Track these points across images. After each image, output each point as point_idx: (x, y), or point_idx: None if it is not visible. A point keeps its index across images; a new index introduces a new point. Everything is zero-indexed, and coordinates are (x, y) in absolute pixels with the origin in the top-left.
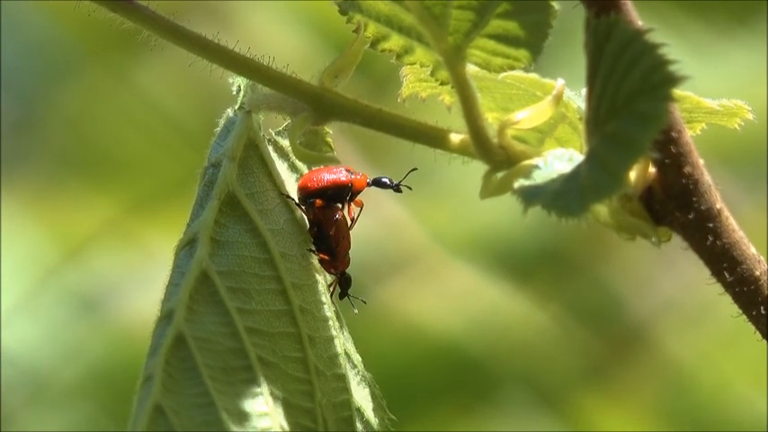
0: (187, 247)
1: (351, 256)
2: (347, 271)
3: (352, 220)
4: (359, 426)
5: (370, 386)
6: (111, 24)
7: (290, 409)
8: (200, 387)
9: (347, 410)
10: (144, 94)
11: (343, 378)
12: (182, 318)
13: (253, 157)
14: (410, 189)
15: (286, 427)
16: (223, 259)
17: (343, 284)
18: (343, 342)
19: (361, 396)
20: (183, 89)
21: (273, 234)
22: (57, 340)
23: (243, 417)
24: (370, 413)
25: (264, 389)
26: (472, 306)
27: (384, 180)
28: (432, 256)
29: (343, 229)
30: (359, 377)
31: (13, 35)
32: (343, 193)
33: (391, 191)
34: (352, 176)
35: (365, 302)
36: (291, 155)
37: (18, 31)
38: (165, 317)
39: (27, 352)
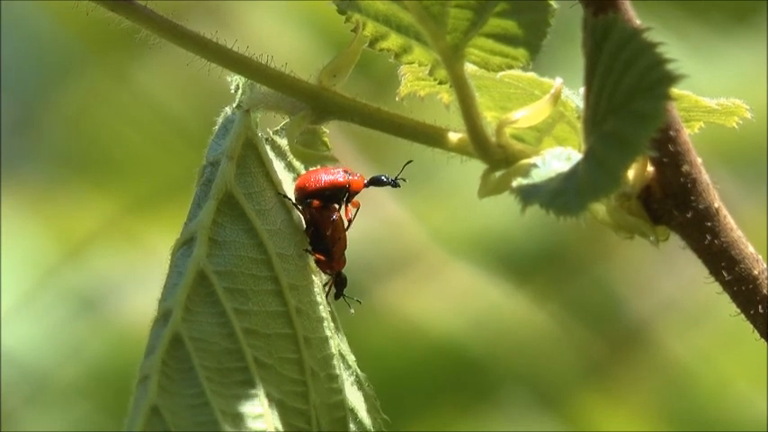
0: (184, 246)
1: (347, 256)
2: (342, 271)
3: (349, 221)
4: (352, 426)
5: (363, 387)
6: (110, 23)
7: (284, 410)
8: (196, 388)
9: (341, 411)
10: (143, 94)
11: (336, 379)
12: (179, 318)
13: (251, 157)
14: (405, 181)
15: (281, 428)
16: (221, 259)
17: (338, 285)
18: (337, 343)
19: (355, 397)
20: (182, 88)
21: (271, 234)
22: (57, 340)
23: (238, 418)
24: (363, 414)
25: (260, 390)
26: (472, 306)
27: (381, 178)
28: (432, 256)
29: (339, 230)
30: (353, 378)
31: (13, 35)
32: (341, 194)
33: (390, 188)
34: (350, 177)
35: (360, 302)
36: (289, 154)
37: (18, 30)
38: (163, 317)
39: (27, 352)
